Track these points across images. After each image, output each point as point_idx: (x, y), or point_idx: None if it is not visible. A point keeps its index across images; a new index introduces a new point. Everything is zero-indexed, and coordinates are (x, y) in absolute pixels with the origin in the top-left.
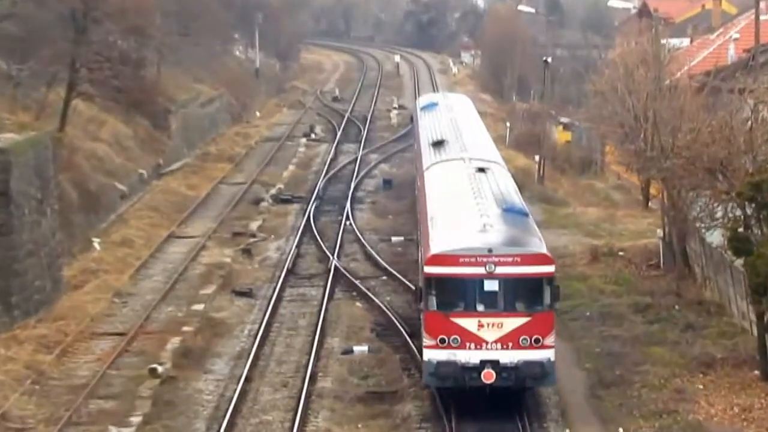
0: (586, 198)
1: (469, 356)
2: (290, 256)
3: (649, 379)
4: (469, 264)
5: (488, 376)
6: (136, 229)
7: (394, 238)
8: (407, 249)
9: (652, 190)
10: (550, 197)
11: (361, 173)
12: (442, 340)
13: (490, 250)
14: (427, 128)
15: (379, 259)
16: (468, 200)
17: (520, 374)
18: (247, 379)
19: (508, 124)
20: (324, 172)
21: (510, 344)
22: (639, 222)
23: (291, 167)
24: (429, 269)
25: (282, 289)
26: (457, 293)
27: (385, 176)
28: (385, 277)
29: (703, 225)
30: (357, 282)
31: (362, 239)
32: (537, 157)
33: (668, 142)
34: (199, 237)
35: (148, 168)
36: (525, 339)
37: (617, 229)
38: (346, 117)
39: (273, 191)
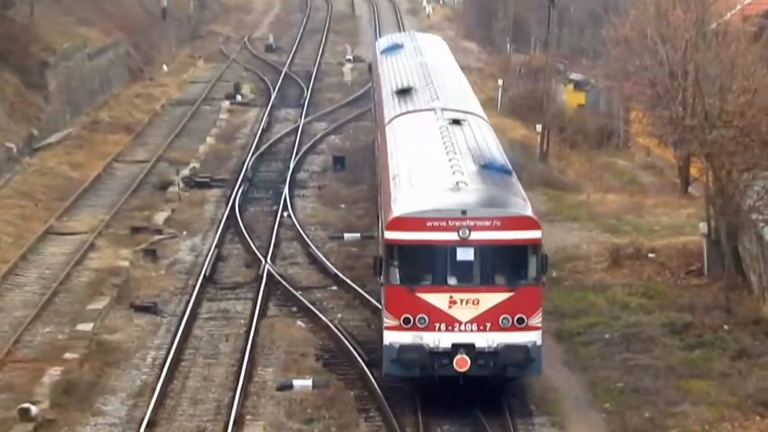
0: (605, 181)
1: (439, 339)
2: (208, 258)
3: (689, 425)
4: (439, 228)
5: (462, 363)
6: (2, 223)
7: (347, 235)
8: (365, 249)
9: (693, 171)
10: (556, 180)
11: (304, 148)
12: (407, 320)
13: (463, 212)
14: (390, 74)
15: (327, 263)
16: (439, 156)
17: (499, 361)
18: (150, 424)
19: (500, 83)
20: (254, 146)
21: (488, 325)
22: (675, 213)
23: (210, 140)
24: (390, 234)
25: (197, 304)
26: (424, 264)
27: (336, 152)
28: (335, 288)
29: (761, 217)
30: (298, 294)
31: (305, 236)
32: (539, 127)
33: (714, 107)
34: (86, 233)
35: (18, 141)
36: (506, 319)
37: (646, 223)
38: (283, 73)
39: (185, 172)
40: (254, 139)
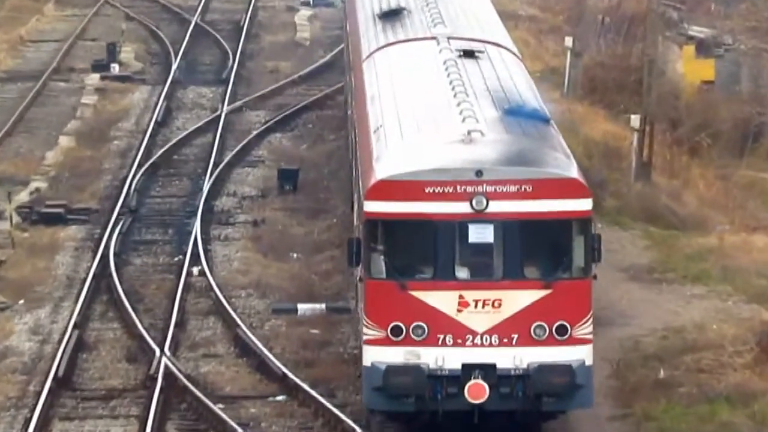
0: (750, 212)
1: (444, 358)
2: (63, 347)
3: None
4: (443, 197)
5: (477, 393)
6: None
7: (303, 308)
8: (334, 332)
9: None
10: (665, 211)
11: (228, 156)
12: (396, 331)
13: (478, 173)
14: None
15: (268, 355)
16: (443, 98)
17: (532, 388)
18: None
19: (569, 43)
20: (141, 152)
21: (515, 337)
22: None
23: (65, 141)
24: (372, 207)
25: (47, 422)
26: (421, 248)
27: (285, 164)
28: (283, 398)
29: None
30: (217, 409)
31: (229, 309)
32: (635, 120)
33: None
34: None
35: None
36: (541, 328)
37: None
38: (192, 24)
39: (22, 197)
40: (142, 140)
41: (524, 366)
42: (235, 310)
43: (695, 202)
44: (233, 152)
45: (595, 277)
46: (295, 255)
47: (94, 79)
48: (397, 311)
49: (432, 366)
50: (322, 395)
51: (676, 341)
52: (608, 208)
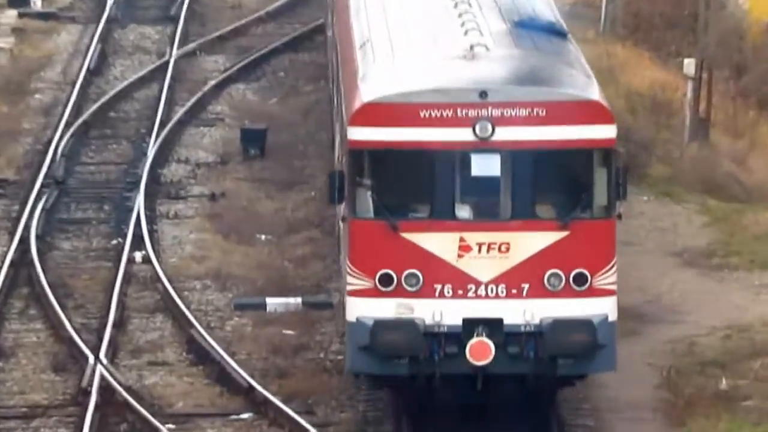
0: None
1: (442, 312)
2: None
3: None
4: (441, 122)
5: (481, 353)
6: None
7: (272, 302)
8: (313, 333)
9: None
10: (727, 180)
11: (179, 113)
12: (386, 280)
13: (483, 94)
14: None
15: (231, 362)
16: (441, 7)
17: (546, 348)
18: None
19: None
20: (69, 108)
21: (525, 287)
22: None
23: None
24: (357, 134)
25: None
26: (415, 183)
27: (250, 123)
28: (248, 416)
29: None
30: (166, 430)
31: (181, 305)
32: (688, 64)
33: None
34: None
35: None
36: (556, 276)
37: None
38: None
39: None
40: (71, 94)
41: (536, 321)
42: (188, 307)
43: (764, 168)
44: (185, 108)
45: (619, 216)
46: (263, 237)
47: (10, 17)
48: (387, 257)
49: (428, 321)
50: (297, 412)
51: (742, 343)
52: (656, 175)
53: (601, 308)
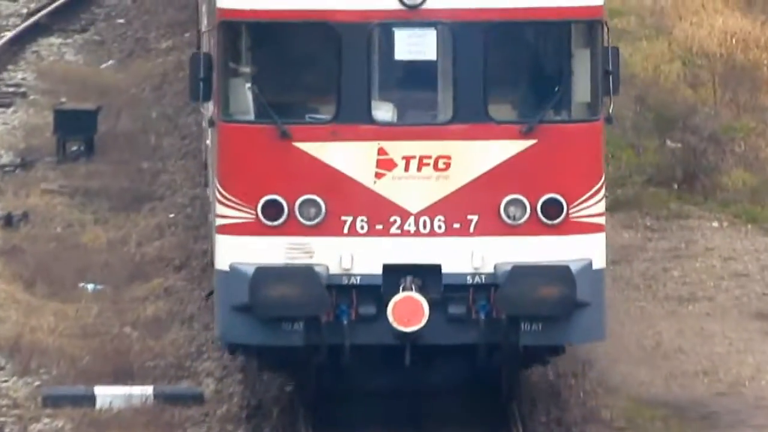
0: None
1: (353, 255)
2: None
3: None
4: None
5: (408, 314)
6: None
7: (105, 394)
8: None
9: None
10: None
11: None
12: (273, 210)
13: None
14: None
15: None
16: None
17: (503, 308)
18: None
19: None
20: None
21: (473, 220)
22: None
23: None
24: (231, 1)
25: None
26: (313, 71)
27: (71, 101)
28: None
29: None
30: None
31: None
32: None
33: None
34: None
35: None
36: (517, 205)
37: None
38: None
39: None
40: None
41: (489, 269)
42: None
43: None
44: None
45: (608, 120)
46: (90, 287)
47: None
48: (275, 178)
49: (333, 270)
50: None
51: None
52: (732, 187)
53: (583, 250)
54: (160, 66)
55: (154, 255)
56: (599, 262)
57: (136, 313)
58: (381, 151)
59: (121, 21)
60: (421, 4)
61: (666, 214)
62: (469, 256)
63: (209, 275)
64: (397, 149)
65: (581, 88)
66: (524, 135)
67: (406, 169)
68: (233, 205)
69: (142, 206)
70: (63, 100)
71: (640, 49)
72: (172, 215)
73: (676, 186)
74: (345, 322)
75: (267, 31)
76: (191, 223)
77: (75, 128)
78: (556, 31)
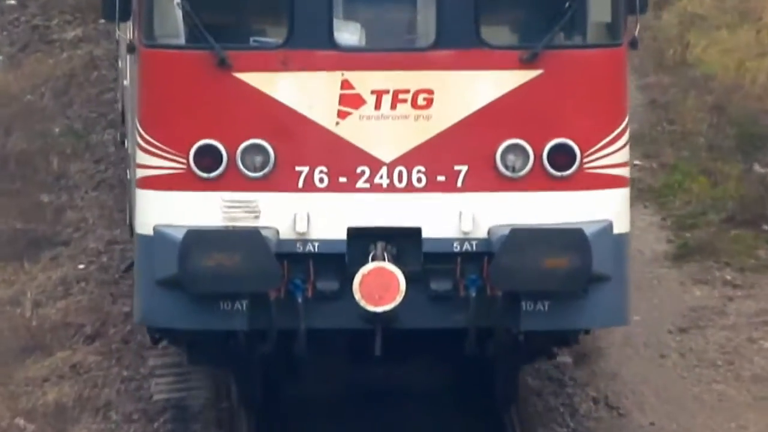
0: None
1: (310, 216)
2: None
3: None
4: None
5: (379, 290)
6: None
7: None
8: None
9: None
10: None
11: None
12: (208, 158)
13: None
14: None
15: None
16: None
17: (499, 282)
18: None
19: None
20: None
21: (461, 172)
22: None
23: None
24: None
25: None
26: None
27: None
28: None
29: None
30: None
31: None
32: None
33: None
34: None
35: None
36: (518, 151)
37: None
38: None
39: None
40: None
41: (481, 234)
42: None
43: None
44: None
45: (633, 44)
46: None
47: None
48: (210, 117)
49: (285, 234)
50: None
51: None
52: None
53: (600, 209)
54: (65, 64)
55: (58, 320)
56: (621, 225)
57: (33, 399)
58: (345, 84)
59: (12, 2)
60: None
61: (753, 264)
62: (457, 217)
63: (136, 333)
64: (365, 81)
65: (598, 4)
66: (526, 64)
67: (377, 106)
68: (158, 152)
69: (41, 254)
70: None
71: (717, 40)
72: (81, 266)
73: (766, 227)
74: (299, 300)
75: None
76: (108, 276)
77: None
78: None
